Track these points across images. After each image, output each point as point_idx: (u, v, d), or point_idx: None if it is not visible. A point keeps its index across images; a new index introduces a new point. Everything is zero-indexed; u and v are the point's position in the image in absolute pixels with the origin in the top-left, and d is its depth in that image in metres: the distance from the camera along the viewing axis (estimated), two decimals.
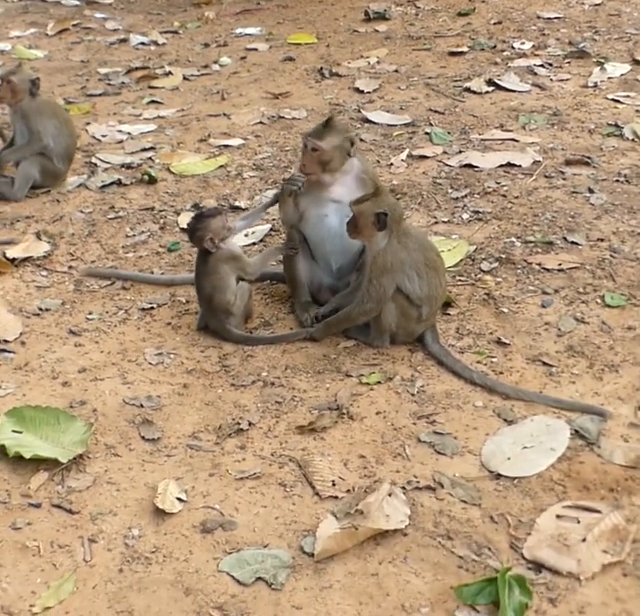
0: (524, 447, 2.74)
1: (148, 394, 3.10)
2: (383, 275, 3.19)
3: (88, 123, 5.84)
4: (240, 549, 2.42)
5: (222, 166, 5.03)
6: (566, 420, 2.85)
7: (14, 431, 2.90)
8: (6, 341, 3.46)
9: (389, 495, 2.53)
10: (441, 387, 3.06)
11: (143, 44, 8.00)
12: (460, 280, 3.71)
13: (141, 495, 2.64)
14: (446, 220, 4.21)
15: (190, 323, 3.54)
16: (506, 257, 3.85)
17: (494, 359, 3.19)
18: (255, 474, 2.70)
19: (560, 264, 3.78)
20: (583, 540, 2.39)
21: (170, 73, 6.99)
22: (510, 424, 2.86)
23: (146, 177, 4.87)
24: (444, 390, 3.04)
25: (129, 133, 5.66)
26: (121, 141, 5.53)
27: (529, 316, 3.44)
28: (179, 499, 2.60)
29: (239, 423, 2.92)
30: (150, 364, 3.30)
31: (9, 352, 3.41)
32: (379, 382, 3.09)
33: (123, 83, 6.84)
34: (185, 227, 4.01)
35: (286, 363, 3.24)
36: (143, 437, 2.89)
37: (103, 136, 5.64)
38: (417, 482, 2.62)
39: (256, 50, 7.50)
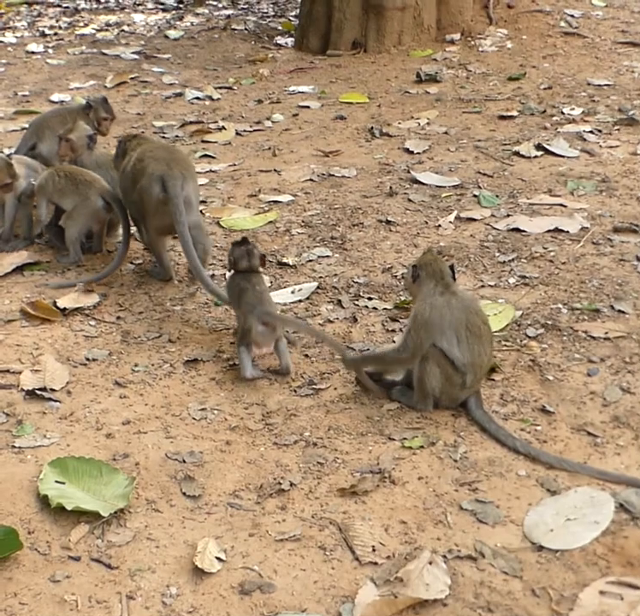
0: (568, 519, 2.71)
1: (190, 450, 3.11)
2: (422, 327, 3.22)
3: None
4: (277, 613, 2.41)
5: (271, 222, 5.08)
6: (611, 493, 2.82)
7: (57, 482, 2.92)
8: (53, 390, 3.50)
9: (430, 564, 2.51)
10: (484, 454, 3.04)
11: (198, 98, 8.14)
12: (506, 345, 3.70)
13: (180, 553, 2.64)
14: (492, 284, 4.22)
15: (234, 379, 3.55)
16: (552, 323, 3.84)
17: (538, 428, 3.17)
18: (295, 536, 2.69)
19: (606, 333, 3.76)
20: None
21: (223, 127, 7.10)
22: (553, 495, 2.83)
23: None
24: (487, 457, 3.02)
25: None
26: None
27: (574, 384, 3.42)
28: (218, 558, 2.59)
29: (280, 483, 2.92)
30: (193, 419, 3.31)
31: (56, 401, 3.44)
32: (422, 447, 3.08)
33: (177, 136, 6.96)
34: None
35: (329, 423, 3.24)
36: (184, 493, 2.90)
37: None
38: (459, 551, 2.60)
39: (308, 107, 7.61)
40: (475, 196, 5.29)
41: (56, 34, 11.38)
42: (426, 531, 2.70)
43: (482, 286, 4.20)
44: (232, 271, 3.77)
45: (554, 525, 2.68)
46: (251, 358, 3.58)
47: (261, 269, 3.77)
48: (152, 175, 4.19)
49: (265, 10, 12.59)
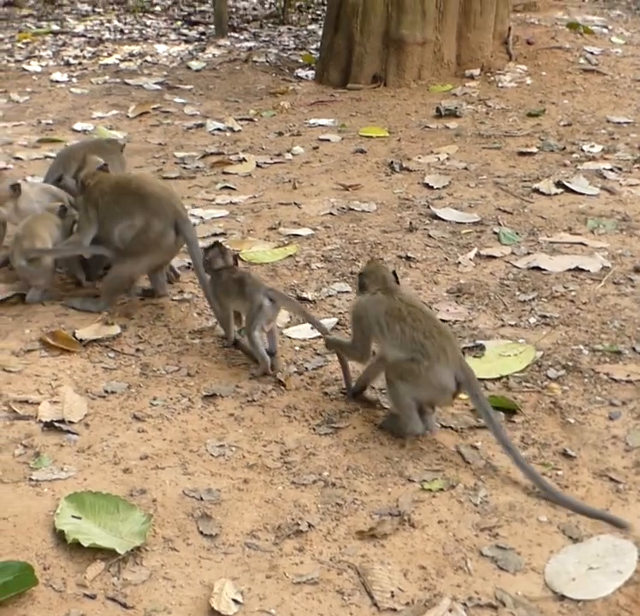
0: (590, 568, 2.67)
1: (208, 487, 3.09)
2: (355, 323, 3.53)
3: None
4: None
5: (290, 255, 5.08)
6: (634, 541, 2.78)
7: (73, 517, 2.90)
8: (71, 422, 3.49)
9: (450, 611, 2.48)
10: (505, 498, 3.01)
11: (219, 129, 8.19)
12: (526, 386, 3.68)
13: (197, 594, 2.61)
14: (513, 323, 4.20)
15: (253, 416, 3.54)
16: (573, 364, 3.82)
17: (559, 472, 3.14)
18: (313, 579, 2.66)
19: (628, 375, 3.74)
20: None
21: (244, 159, 7.13)
22: (575, 542, 2.79)
23: None
24: (508, 502, 2.99)
25: (201, 218, 5.76)
26: (193, 225, 5.61)
27: (596, 428, 3.40)
28: (234, 600, 2.56)
29: (298, 524, 2.89)
30: (211, 455, 3.29)
31: (74, 433, 3.43)
32: (442, 490, 3.05)
33: (198, 167, 6.99)
34: None
35: (348, 463, 3.22)
36: (201, 532, 2.87)
37: None
38: (479, 598, 2.56)
39: (328, 140, 7.64)
40: (495, 233, 5.28)
41: (80, 64, 11.49)
42: (446, 577, 2.66)
43: (503, 325, 4.18)
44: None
45: (576, 574, 2.65)
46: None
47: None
48: (165, 217, 4.29)
49: (286, 43, 12.68)
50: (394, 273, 3.60)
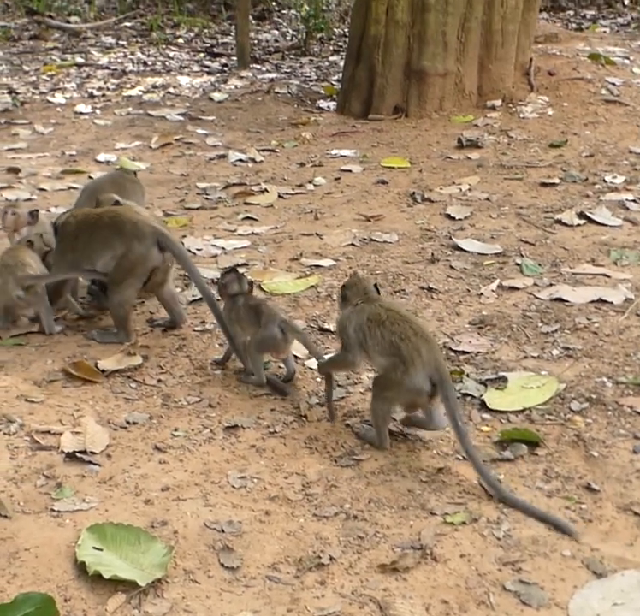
0: (614, 604, 2.64)
1: (229, 519, 3.08)
2: (342, 333, 3.62)
3: (184, 236, 5.97)
4: None
5: (312, 286, 5.08)
6: None
7: (95, 548, 2.89)
8: (93, 453, 3.49)
9: None
10: (528, 532, 2.99)
11: (241, 160, 8.24)
12: (549, 419, 3.66)
13: None
14: (535, 355, 4.18)
15: (274, 447, 3.53)
16: (596, 397, 3.79)
17: (583, 506, 3.11)
18: (334, 612, 2.64)
19: None
20: None
21: (266, 190, 7.16)
22: (599, 577, 2.76)
23: None
24: (531, 536, 2.96)
25: (223, 248, 5.79)
26: (215, 256, 5.65)
27: (620, 461, 3.37)
28: None
29: (320, 557, 2.87)
30: (232, 487, 3.28)
31: (95, 464, 3.43)
32: (464, 523, 3.03)
33: (220, 198, 7.03)
34: None
35: (369, 495, 3.20)
36: (222, 564, 2.86)
37: (199, 250, 5.77)
38: None
39: (350, 171, 7.66)
40: (517, 264, 5.28)
41: (103, 95, 11.60)
42: (468, 612, 2.64)
43: (525, 357, 4.17)
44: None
45: (601, 610, 2.62)
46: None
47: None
48: (144, 237, 4.35)
49: (308, 74, 12.77)
50: (376, 285, 3.73)
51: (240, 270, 4.26)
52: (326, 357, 3.91)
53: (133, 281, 4.43)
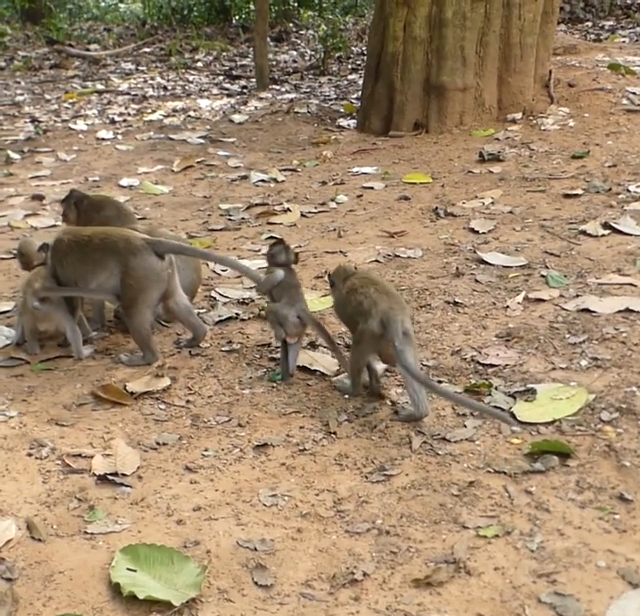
0: None
1: (262, 537, 3.08)
2: (341, 314, 4.19)
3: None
4: None
5: None
6: None
7: (128, 569, 2.90)
8: (124, 475, 3.50)
9: None
10: (562, 544, 2.96)
11: (263, 181, 8.28)
12: (580, 429, 3.63)
13: None
14: (564, 366, 4.16)
15: (304, 465, 3.53)
16: (627, 407, 3.76)
17: (616, 516, 3.08)
18: None
19: None
20: None
21: (288, 209, 7.20)
22: (635, 588, 2.73)
23: (262, 313, 4.98)
24: (565, 547, 2.94)
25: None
26: (239, 276, 5.66)
27: None
28: None
29: (353, 573, 2.86)
30: (264, 505, 3.28)
31: (127, 486, 3.44)
32: (497, 536, 3.01)
33: (243, 219, 7.06)
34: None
35: (401, 510, 3.19)
36: (256, 583, 2.86)
37: (223, 270, 5.80)
38: None
39: (372, 188, 7.69)
40: (543, 276, 5.26)
41: (125, 121, 11.72)
42: None
43: (554, 368, 4.15)
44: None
45: None
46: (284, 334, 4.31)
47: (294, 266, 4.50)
48: (139, 250, 4.38)
49: (327, 93, 12.84)
50: (355, 267, 4.38)
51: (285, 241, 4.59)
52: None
53: (144, 298, 4.42)
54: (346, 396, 4.06)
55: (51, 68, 17.80)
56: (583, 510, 3.14)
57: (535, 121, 9.31)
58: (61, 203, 5.77)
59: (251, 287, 5.38)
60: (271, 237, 4.84)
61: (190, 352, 4.62)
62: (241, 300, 5.28)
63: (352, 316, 3.97)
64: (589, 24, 16.86)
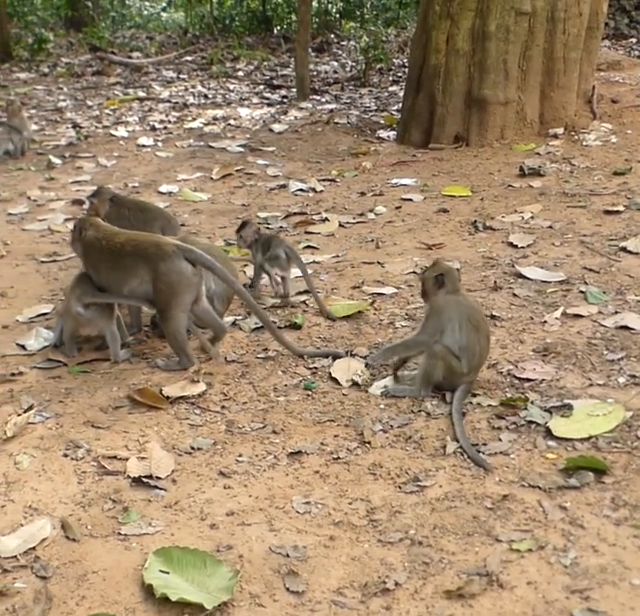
0: None
1: (294, 544, 3.09)
2: (438, 315, 4.09)
3: (246, 265, 6.04)
4: None
5: (375, 313, 5.10)
6: None
7: (161, 571, 2.92)
8: (158, 478, 3.53)
9: None
10: (596, 560, 2.94)
11: (301, 190, 8.31)
12: (616, 446, 3.61)
13: None
14: (601, 383, 4.13)
15: (338, 473, 3.53)
16: None
17: None
18: None
19: None
20: None
21: (327, 219, 7.22)
22: None
23: (295, 321, 5.00)
24: (599, 564, 2.92)
25: (284, 277, 5.81)
26: (277, 284, 5.67)
27: None
28: None
29: (385, 582, 2.86)
30: (297, 512, 3.29)
31: (161, 489, 3.46)
32: (530, 550, 2.99)
33: (281, 227, 7.09)
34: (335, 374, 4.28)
35: (434, 522, 3.18)
36: (288, 589, 2.86)
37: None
38: None
39: (411, 200, 7.69)
40: (581, 292, 5.22)
41: (165, 128, 11.81)
42: None
43: (591, 385, 4.12)
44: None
45: None
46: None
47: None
48: (171, 257, 4.44)
49: (368, 105, 12.87)
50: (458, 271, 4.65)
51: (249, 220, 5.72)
52: (391, 344, 4.56)
53: (177, 302, 4.47)
54: (381, 406, 4.06)
55: (94, 74, 17.97)
56: (618, 527, 3.11)
57: (577, 137, 9.28)
58: (90, 197, 5.92)
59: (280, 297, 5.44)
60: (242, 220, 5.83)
61: (226, 358, 4.63)
62: (278, 306, 5.30)
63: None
64: (634, 40, 16.76)
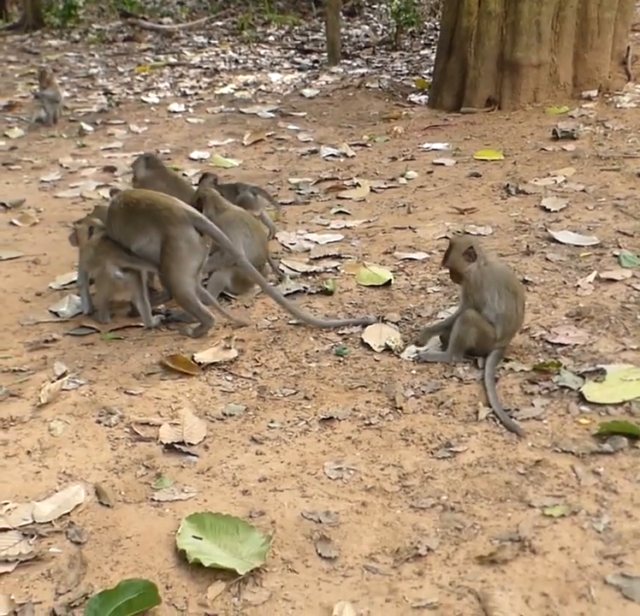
0: None
1: (326, 510, 3.09)
2: (478, 290, 4.05)
3: (277, 230, 6.02)
4: None
5: (406, 279, 5.07)
6: None
7: (194, 537, 2.94)
8: (191, 444, 3.55)
9: None
10: (629, 525, 2.92)
11: (333, 155, 8.27)
12: None
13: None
14: (635, 347, 4.09)
15: (370, 439, 3.53)
16: None
17: None
18: (432, 603, 2.63)
19: None
20: None
21: (358, 184, 7.18)
22: None
23: (327, 287, 4.98)
24: (632, 529, 2.90)
25: (316, 242, 5.81)
26: (308, 250, 5.67)
27: None
28: None
29: (417, 548, 2.86)
30: (329, 478, 3.30)
31: (193, 455, 3.48)
32: (563, 516, 2.98)
33: (312, 193, 7.06)
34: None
35: (467, 487, 3.18)
36: (320, 554, 2.87)
37: (292, 244, 5.81)
38: None
39: (442, 164, 7.62)
40: (615, 256, 5.16)
41: (196, 94, 11.78)
42: (569, 605, 2.60)
43: (624, 349, 4.08)
44: None
45: None
46: None
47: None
48: (180, 222, 4.51)
49: (399, 69, 12.75)
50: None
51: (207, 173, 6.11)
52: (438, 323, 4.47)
53: (183, 266, 4.53)
54: (413, 371, 4.05)
55: (124, 40, 17.95)
56: None
57: (610, 99, 9.14)
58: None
59: (317, 260, 5.41)
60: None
61: (257, 324, 4.64)
62: (309, 273, 5.28)
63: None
64: None
